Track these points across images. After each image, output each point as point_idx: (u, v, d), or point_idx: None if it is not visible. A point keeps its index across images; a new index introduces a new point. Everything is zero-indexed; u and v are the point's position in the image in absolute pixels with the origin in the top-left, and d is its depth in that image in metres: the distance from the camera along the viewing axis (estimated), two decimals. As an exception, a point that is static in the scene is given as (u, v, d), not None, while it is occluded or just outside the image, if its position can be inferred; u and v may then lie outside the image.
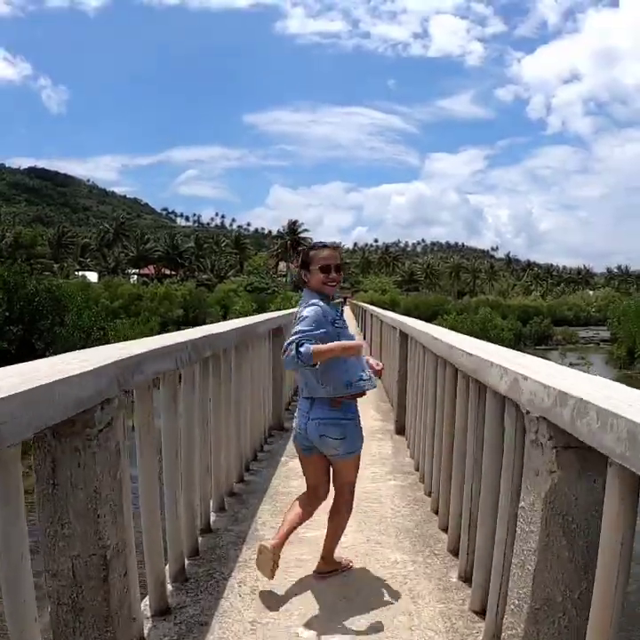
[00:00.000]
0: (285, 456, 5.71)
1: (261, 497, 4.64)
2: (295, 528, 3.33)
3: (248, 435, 5.26)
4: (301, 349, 2.84)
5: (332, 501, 3.36)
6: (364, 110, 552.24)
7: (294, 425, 3.30)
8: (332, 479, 3.36)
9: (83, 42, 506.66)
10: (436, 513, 4.23)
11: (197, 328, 3.93)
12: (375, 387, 3.34)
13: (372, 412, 8.02)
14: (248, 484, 4.94)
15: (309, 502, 3.37)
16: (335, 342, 3.00)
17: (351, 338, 3.20)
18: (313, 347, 2.86)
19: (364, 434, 3.32)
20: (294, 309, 3.67)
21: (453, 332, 4.91)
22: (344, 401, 3.15)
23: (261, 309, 40.14)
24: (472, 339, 4.17)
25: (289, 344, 2.91)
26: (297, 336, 2.91)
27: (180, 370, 3.09)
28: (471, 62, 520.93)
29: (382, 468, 5.48)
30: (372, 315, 15.44)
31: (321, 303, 3.12)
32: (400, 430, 6.73)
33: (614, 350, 38.98)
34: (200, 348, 3.38)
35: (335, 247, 3.31)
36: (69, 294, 26.21)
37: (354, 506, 3.43)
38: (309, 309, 3.08)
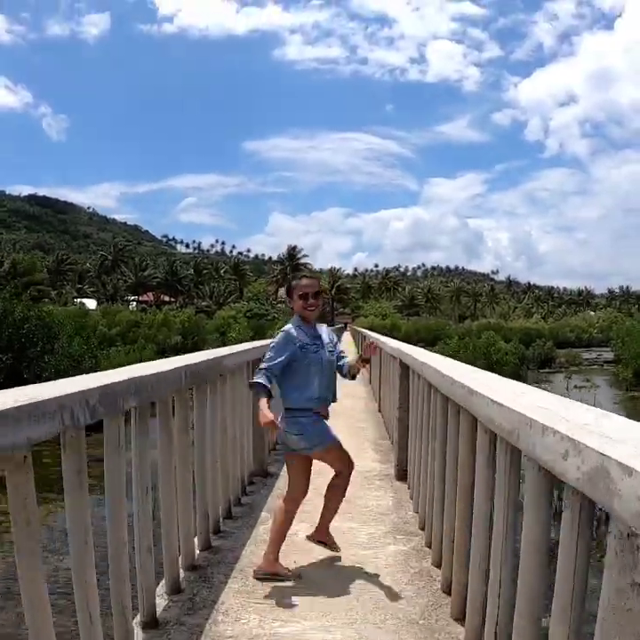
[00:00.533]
0: (266, 510, 4.81)
1: (230, 570, 3.73)
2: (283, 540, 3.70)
3: (218, 488, 4.34)
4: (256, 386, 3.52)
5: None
6: (361, 136, 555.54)
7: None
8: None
9: (83, 70, 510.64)
10: (449, 592, 3.28)
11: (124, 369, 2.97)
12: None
13: (369, 451, 7.14)
14: (216, 552, 4.01)
15: (289, 509, 3.69)
16: (262, 409, 3.42)
17: (323, 359, 3.66)
18: (260, 392, 3.49)
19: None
20: None
21: (469, 367, 3.96)
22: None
23: (260, 336, 39.23)
24: (498, 377, 3.14)
25: (256, 373, 3.59)
26: (261, 370, 3.55)
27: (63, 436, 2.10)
28: (468, 87, 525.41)
29: (380, 527, 4.55)
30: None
31: (292, 328, 3.65)
32: (401, 475, 5.80)
33: (619, 371, 37.92)
34: (115, 399, 2.45)
35: (314, 277, 3.84)
36: (60, 321, 25.27)
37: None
38: (277, 336, 3.67)
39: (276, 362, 3.52)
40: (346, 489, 3.87)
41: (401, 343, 7.55)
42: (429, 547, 4.01)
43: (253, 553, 3.97)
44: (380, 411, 10.43)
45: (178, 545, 3.42)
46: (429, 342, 49.19)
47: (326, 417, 3.71)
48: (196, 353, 4.70)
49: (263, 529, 4.38)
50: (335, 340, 3.93)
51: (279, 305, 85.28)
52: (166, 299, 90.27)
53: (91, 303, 71.52)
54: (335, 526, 4.05)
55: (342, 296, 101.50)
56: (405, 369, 5.63)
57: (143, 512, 2.86)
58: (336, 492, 3.84)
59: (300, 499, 3.73)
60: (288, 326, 3.67)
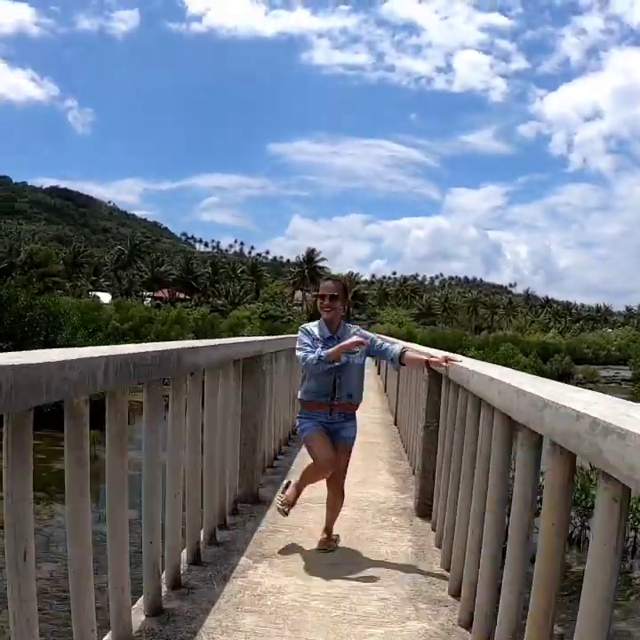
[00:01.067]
0: (247, 556, 3.66)
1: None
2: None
3: (173, 529, 3.08)
4: (322, 354, 3.70)
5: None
6: (385, 142, 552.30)
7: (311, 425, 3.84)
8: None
9: (110, 65, 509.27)
10: None
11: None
12: None
13: (383, 474, 6.02)
14: (165, 621, 2.82)
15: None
16: (336, 346, 3.73)
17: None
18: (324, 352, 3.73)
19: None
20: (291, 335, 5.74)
21: (537, 377, 2.81)
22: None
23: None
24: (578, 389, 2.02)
25: (304, 355, 3.78)
26: (303, 352, 3.80)
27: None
28: (494, 98, 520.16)
29: (396, 590, 3.31)
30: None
31: (307, 326, 3.98)
32: (424, 511, 4.60)
33: (637, 390, 36.62)
34: None
35: (337, 280, 4.03)
36: (65, 311, 24.28)
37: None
38: (299, 334, 3.95)
39: (308, 342, 3.84)
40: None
41: (430, 348, 6.38)
42: (467, 627, 2.82)
43: (218, 624, 2.80)
44: (396, 423, 9.37)
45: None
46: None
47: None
48: (152, 343, 3.60)
49: (237, 585, 3.23)
50: (372, 337, 4.04)
51: (295, 307, 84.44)
52: (182, 296, 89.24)
53: (105, 297, 70.59)
54: (335, 584, 3.19)
55: (358, 302, 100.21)
56: (436, 378, 4.44)
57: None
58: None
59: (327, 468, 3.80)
60: (304, 324, 4.02)
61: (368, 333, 4.05)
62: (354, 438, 3.96)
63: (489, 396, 2.61)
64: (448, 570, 3.43)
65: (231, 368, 4.17)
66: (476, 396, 2.92)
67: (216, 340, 4.71)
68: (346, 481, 3.97)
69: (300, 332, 3.91)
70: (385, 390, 13.47)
